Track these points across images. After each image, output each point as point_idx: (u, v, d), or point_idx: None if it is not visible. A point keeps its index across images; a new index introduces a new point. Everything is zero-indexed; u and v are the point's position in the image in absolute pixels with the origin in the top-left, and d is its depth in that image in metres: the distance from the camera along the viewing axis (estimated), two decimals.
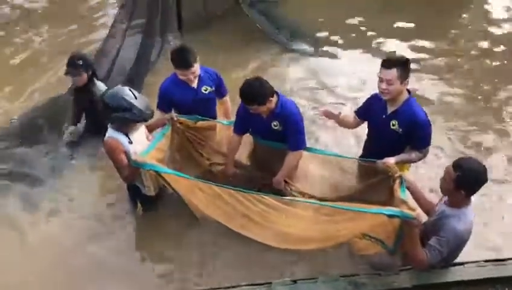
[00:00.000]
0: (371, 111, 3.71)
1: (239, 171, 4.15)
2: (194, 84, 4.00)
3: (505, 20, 7.70)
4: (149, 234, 4.10)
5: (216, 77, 4.14)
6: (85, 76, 4.49)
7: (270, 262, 3.72)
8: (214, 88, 4.11)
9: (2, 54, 6.82)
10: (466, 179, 2.88)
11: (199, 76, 3.99)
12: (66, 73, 4.53)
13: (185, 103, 4.02)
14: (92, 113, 4.73)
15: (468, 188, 2.91)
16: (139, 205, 4.07)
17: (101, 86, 4.61)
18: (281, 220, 3.38)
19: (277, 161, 3.90)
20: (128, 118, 3.51)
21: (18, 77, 6.26)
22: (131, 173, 3.69)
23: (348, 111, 4.48)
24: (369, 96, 3.80)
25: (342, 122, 3.98)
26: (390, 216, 2.96)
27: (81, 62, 4.43)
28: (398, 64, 3.30)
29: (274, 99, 3.58)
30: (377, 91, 3.59)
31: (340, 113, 3.94)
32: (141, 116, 3.54)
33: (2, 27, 7.55)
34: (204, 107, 4.11)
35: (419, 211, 3.05)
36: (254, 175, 4.13)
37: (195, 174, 3.84)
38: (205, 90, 4.06)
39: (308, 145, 3.86)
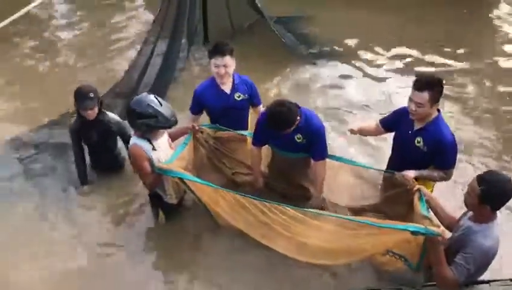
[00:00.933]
0: (397, 124, 3.68)
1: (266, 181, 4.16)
2: (228, 90, 4.04)
3: None
4: (171, 243, 4.08)
5: (250, 86, 4.15)
6: (97, 108, 4.27)
7: (296, 276, 3.67)
8: (247, 96, 4.12)
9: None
10: (491, 193, 2.80)
11: (233, 83, 4.03)
12: (82, 108, 4.20)
13: (217, 107, 4.06)
14: (102, 146, 4.55)
15: (494, 202, 2.83)
16: (160, 213, 4.10)
17: (112, 115, 4.50)
18: (303, 232, 3.36)
19: (296, 170, 3.94)
20: (153, 125, 3.57)
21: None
22: (154, 180, 3.73)
23: (368, 120, 4.45)
24: (397, 108, 3.77)
25: (363, 132, 3.99)
26: (414, 233, 2.93)
27: (92, 94, 4.19)
28: (430, 87, 3.24)
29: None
30: (404, 105, 3.57)
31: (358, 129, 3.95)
32: (166, 123, 3.60)
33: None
34: (236, 115, 4.13)
35: (443, 227, 3.00)
36: (276, 185, 4.13)
37: (217, 184, 3.82)
38: (238, 97, 4.07)
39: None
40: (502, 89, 6.33)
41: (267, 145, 4.02)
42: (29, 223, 4.26)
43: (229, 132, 4.11)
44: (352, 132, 3.96)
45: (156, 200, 4.05)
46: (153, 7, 7.77)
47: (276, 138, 3.78)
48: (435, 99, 3.27)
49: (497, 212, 2.92)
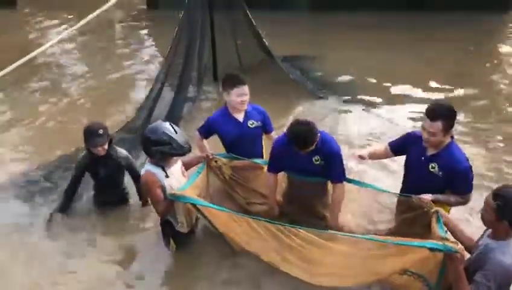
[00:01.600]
0: (407, 150, 3.69)
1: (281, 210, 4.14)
2: (241, 118, 4.11)
3: None
4: (182, 272, 4.03)
5: (263, 113, 4.23)
6: (106, 145, 4.29)
7: None
8: (260, 123, 4.19)
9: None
10: (508, 208, 2.76)
11: (245, 111, 4.11)
12: (92, 145, 4.24)
13: (231, 135, 4.12)
14: (109, 181, 4.57)
15: (511, 217, 2.79)
16: (171, 241, 4.07)
17: (121, 150, 4.53)
18: (319, 257, 3.33)
19: (313, 197, 3.96)
20: (167, 152, 3.62)
21: None
22: (166, 207, 3.74)
23: (376, 145, 4.45)
24: (405, 133, 3.81)
25: (373, 156, 3.99)
26: (432, 249, 2.90)
27: (102, 131, 4.23)
28: (444, 117, 3.27)
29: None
30: (413, 130, 3.62)
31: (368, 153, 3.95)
32: (181, 150, 3.65)
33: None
34: (250, 143, 4.18)
35: (461, 245, 2.95)
36: (292, 214, 4.10)
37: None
38: (251, 125, 4.14)
39: None
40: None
41: (282, 173, 4.04)
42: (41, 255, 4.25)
43: (244, 161, 4.14)
44: (361, 157, 3.94)
45: (168, 229, 4.03)
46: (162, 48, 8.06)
47: (293, 162, 3.81)
48: (448, 128, 3.30)
49: None
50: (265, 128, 4.27)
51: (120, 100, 7.22)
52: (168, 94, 6.46)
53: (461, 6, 9.83)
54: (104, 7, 6.40)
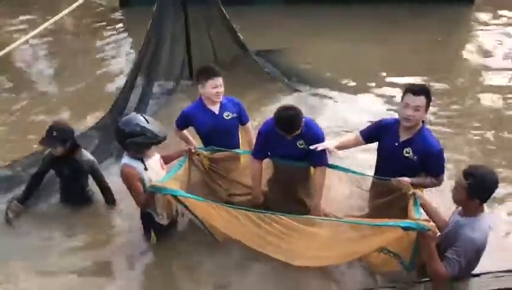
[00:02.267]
0: (380, 136, 3.79)
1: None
2: (216, 110, 4.17)
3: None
4: (163, 263, 4.10)
5: (238, 105, 4.30)
6: (59, 149, 4.30)
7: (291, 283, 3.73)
8: (236, 115, 4.25)
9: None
10: (478, 187, 2.90)
11: (221, 103, 4.17)
12: (47, 145, 4.34)
13: (206, 127, 4.17)
14: (69, 183, 4.60)
15: (481, 195, 2.94)
16: (152, 234, 4.10)
17: (85, 153, 4.51)
18: (299, 241, 3.42)
19: (296, 182, 4.04)
20: (142, 142, 3.65)
21: None
22: (146, 199, 3.79)
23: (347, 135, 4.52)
24: (376, 121, 3.90)
25: (342, 147, 4.03)
26: (406, 228, 3.02)
27: (55, 134, 4.25)
28: (426, 93, 3.42)
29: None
30: (382, 117, 3.76)
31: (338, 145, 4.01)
32: (156, 139, 3.70)
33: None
34: (226, 134, 4.23)
35: (433, 223, 3.07)
36: (276, 202, 4.16)
37: None
38: (227, 116, 4.19)
39: None
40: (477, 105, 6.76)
41: (266, 161, 4.10)
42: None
43: (226, 152, 4.19)
44: (328, 151, 3.94)
45: (148, 221, 4.07)
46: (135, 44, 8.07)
47: (278, 146, 3.89)
48: (428, 104, 3.44)
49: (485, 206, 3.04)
50: (241, 119, 4.33)
51: (94, 97, 7.17)
52: (140, 89, 6.47)
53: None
54: (75, 5, 6.35)
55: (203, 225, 3.86)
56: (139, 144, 3.67)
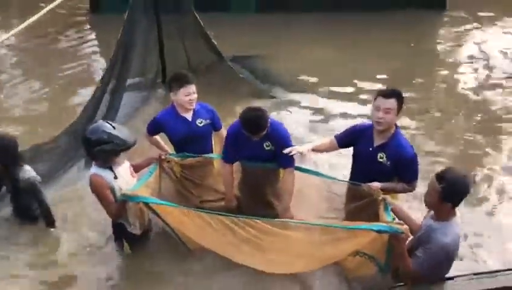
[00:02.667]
0: (355, 141, 3.78)
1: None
2: (189, 117, 4.11)
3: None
4: (138, 274, 4.00)
5: (211, 111, 4.26)
6: None
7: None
8: (209, 121, 4.20)
9: None
10: (451, 191, 2.90)
11: (194, 110, 4.11)
12: None
13: (179, 135, 4.10)
14: (15, 198, 4.45)
15: (454, 199, 2.94)
16: (125, 244, 4.01)
17: (27, 172, 4.28)
18: (273, 245, 3.40)
19: (266, 185, 4.04)
20: (110, 149, 3.56)
21: None
22: (117, 209, 3.69)
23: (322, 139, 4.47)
24: (351, 126, 3.90)
25: (317, 151, 4.06)
26: (379, 231, 3.03)
27: None
28: (396, 95, 3.44)
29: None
30: (356, 123, 3.79)
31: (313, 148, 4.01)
32: (124, 145, 3.60)
33: None
34: (199, 141, 4.17)
35: (406, 226, 3.09)
36: (248, 206, 4.12)
37: None
38: (200, 123, 4.14)
39: None
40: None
41: (237, 165, 4.07)
42: None
43: (198, 158, 4.13)
44: (300, 153, 3.90)
45: (120, 231, 3.97)
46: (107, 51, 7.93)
47: (245, 149, 3.87)
48: (399, 107, 3.45)
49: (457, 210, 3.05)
50: (215, 125, 4.29)
51: (64, 104, 7.07)
52: (111, 96, 6.30)
53: (403, 5, 10.29)
54: (46, 9, 6.23)
55: (174, 233, 3.80)
56: (107, 151, 3.57)
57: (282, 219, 3.55)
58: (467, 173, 3.01)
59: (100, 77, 6.52)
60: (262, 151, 3.83)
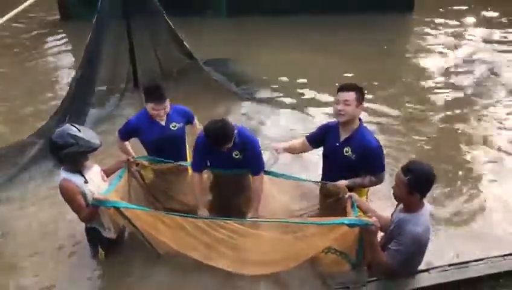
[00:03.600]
0: (324, 139, 3.84)
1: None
2: (162, 122, 4.06)
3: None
4: (113, 279, 3.92)
5: (184, 112, 4.22)
6: None
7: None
8: (182, 124, 4.16)
9: None
10: (417, 181, 2.94)
11: (168, 114, 4.07)
12: None
13: (152, 139, 4.05)
14: None
15: (421, 189, 2.98)
16: (100, 249, 3.94)
17: None
18: (245, 244, 3.39)
19: (237, 191, 4.02)
20: (76, 151, 3.49)
21: None
22: (89, 213, 3.62)
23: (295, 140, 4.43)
24: (319, 125, 3.96)
25: (291, 150, 4.11)
26: (350, 225, 3.06)
27: None
28: (355, 88, 3.51)
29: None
30: (326, 121, 3.83)
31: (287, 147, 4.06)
32: (89, 147, 3.53)
33: None
34: (174, 145, 4.13)
35: (375, 218, 3.10)
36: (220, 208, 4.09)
37: None
38: (174, 127, 4.10)
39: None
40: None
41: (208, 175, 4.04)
42: None
43: (167, 165, 4.07)
44: (275, 149, 4.02)
45: (94, 236, 3.90)
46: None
47: (214, 158, 3.85)
48: (359, 99, 3.50)
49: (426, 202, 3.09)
50: (189, 121, 4.28)
51: (31, 109, 6.97)
52: (81, 101, 6.27)
53: (373, 7, 10.54)
54: (12, 13, 6.13)
55: (144, 238, 3.72)
56: (74, 154, 3.50)
57: (254, 219, 3.56)
58: (428, 164, 3.03)
59: (70, 81, 6.49)
60: (231, 160, 3.81)
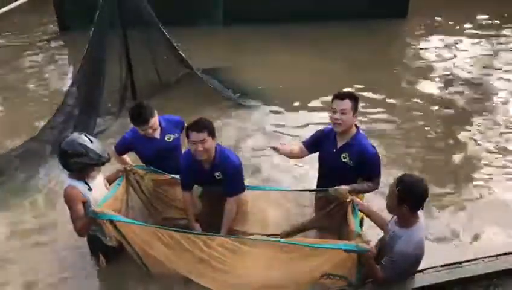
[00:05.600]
0: (320, 146, 3.89)
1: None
2: (157, 135, 4.12)
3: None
4: (115, 287, 4.00)
5: (177, 122, 4.28)
6: None
7: None
8: (178, 134, 4.22)
9: None
10: (407, 193, 2.97)
11: (161, 127, 4.12)
12: None
13: (149, 152, 4.11)
14: None
15: (410, 201, 2.99)
16: (101, 257, 3.99)
17: None
18: (240, 263, 3.41)
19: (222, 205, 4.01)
20: (85, 163, 3.55)
21: None
22: (84, 225, 3.63)
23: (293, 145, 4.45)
24: (316, 131, 4.00)
25: (290, 155, 4.14)
26: (347, 251, 3.09)
27: None
28: (351, 97, 3.57)
29: (215, 143, 3.72)
30: (323, 127, 3.89)
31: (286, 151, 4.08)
32: (99, 160, 3.59)
33: None
34: (170, 156, 4.15)
35: (372, 243, 3.16)
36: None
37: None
38: (169, 139, 4.16)
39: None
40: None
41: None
42: None
43: (160, 175, 4.12)
44: (275, 149, 4.04)
45: (96, 244, 3.94)
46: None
47: (197, 178, 3.92)
48: (355, 108, 3.57)
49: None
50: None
51: (30, 120, 7.00)
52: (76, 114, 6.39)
53: (366, 15, 10.65)
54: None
55: (138, 257, 3.72)
56: (82, 164, 3.58)
57: (251, 237, 3.58)
58: (424, 179, 3.05)
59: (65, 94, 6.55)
60: (214, 180, 3.85)
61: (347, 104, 3.53)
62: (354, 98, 3.58)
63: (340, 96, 3.58)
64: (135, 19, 6.64)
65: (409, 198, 2.98)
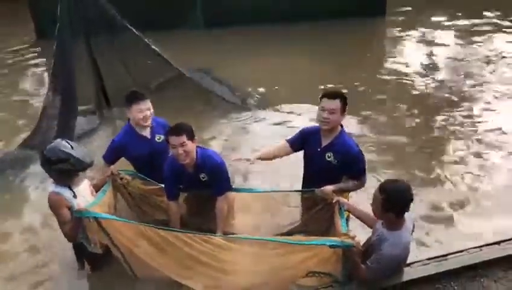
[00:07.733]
0: (305, 143, 3.87)
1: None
2: (148, 134, 4.09)
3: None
4: None
5: (166, 125, 4.21)
6: None
7: None
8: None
9: None
10: (392, 201, 2.98)
11: (151, 126, 4.10)
12: None
13: (142, 155, 4.07)
14: None
15: (395, 209, 3.01)
16: (86, 264, 3.95)
17: None
18: (227, 259, 3.41)
19: (209, 207, 4.00)
20: (68, 168, 3.50)
21: None
22: (72, 228, 3.61)
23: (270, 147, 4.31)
24: (300, 129, 3.98)
25: (266, 157, 4.04)
26: (332, 246, 3.08)
27: None
28: (341, 96, 3.54)
29: (195, 145, 3.70)
30: (305, 126, 3.90)
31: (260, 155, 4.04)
32: (80, 165, 3.54)
33: None
34: (159, 157, 4.08)
35: (358, 238, 3.13)
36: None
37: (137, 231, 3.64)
38: (159, 139, 4.12)
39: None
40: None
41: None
42: None
43: (149, 185, 4.08)
44: (247, 160, 4.00)
45: (81, 251, 3.88)
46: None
47: (183, 182, 3.87)
48: (343, 108, 3.56)
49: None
50: None
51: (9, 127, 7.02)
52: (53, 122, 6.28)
53: (345, 14, 10.78)
54: None
55: (124, 259, 3.70)
56: (65, 170, 3.53)
57: (237, 235, 3.58)
58: (407, 184, 3.09)
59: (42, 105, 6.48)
60: (199, 183, 3.83)
61: (337, 104, 3.51)
62: (343, 98, 3.56)
63: (330, 95, 3.56)
64: (100, 27, 6.44)
65: (394, 207, 3.00)
